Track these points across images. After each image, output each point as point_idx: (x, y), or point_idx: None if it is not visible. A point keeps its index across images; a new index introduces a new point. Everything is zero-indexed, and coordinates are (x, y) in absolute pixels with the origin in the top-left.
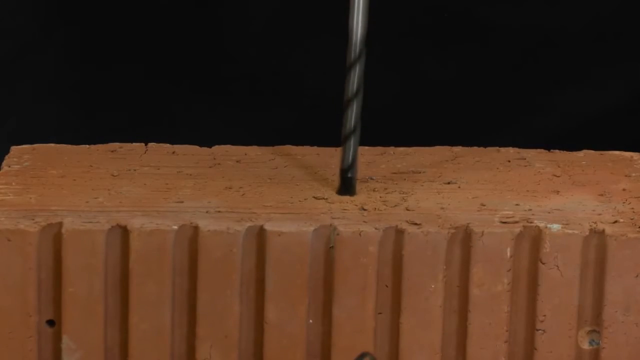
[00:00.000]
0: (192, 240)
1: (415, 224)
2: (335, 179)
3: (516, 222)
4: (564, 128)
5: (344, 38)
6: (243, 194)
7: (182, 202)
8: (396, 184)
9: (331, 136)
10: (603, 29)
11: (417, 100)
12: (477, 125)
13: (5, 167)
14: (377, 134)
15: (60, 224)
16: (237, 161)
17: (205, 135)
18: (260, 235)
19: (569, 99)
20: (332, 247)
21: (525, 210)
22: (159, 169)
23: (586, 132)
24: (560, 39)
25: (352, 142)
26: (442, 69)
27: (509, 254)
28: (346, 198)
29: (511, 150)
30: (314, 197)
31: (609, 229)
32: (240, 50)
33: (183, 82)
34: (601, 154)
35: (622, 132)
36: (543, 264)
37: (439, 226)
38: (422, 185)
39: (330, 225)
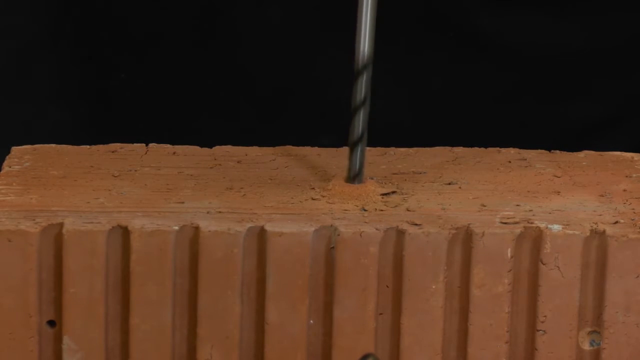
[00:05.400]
0: (193, 240)
1: (416, 224)
2: (337, 179)
3: (517, 222)
4: (566, 135)
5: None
6: (244, 195)
7: (182, 202)
8: (397, 184)
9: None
10: (603, 42)
11: (418, 101)
12: (479, 132)
13: (6, 168)
14: (378, 134)
15: (61, 225)
16: (238, 162)
17: (206, 139)
18: (261, 236)
19: (571, 109)
20: (333, 247)
21: (526, 211)
22: (159, 169)
23: (587, 138)
24: (562, 51)
25: (358, 150)
26: (446, 77)
27: (509, 254)
28: (347, 198)
29: (512, 151)
30: (314, 198)
31: (609, 230)
32: (247, 58)
33: (186, 85)
34: (601, 155)
35: (623, 138)
36: (544, 264)
37: (439, 227)
38: (423, 186)
39: (331, 225)
